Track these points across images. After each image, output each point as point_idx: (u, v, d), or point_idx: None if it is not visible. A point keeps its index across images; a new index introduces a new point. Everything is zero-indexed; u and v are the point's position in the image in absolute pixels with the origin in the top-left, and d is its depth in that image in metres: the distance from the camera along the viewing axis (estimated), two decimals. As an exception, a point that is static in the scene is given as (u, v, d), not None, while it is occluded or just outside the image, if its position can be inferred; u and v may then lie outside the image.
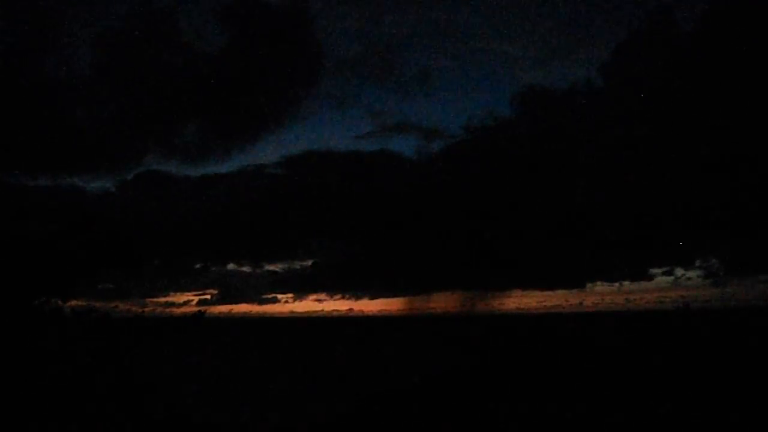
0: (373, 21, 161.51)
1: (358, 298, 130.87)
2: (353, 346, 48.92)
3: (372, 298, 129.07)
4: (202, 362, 33.09)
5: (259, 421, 16.41)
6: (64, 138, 69.59)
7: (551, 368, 26.71)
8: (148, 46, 76.16)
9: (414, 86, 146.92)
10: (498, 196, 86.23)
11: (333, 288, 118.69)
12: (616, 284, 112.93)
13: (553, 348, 39.68)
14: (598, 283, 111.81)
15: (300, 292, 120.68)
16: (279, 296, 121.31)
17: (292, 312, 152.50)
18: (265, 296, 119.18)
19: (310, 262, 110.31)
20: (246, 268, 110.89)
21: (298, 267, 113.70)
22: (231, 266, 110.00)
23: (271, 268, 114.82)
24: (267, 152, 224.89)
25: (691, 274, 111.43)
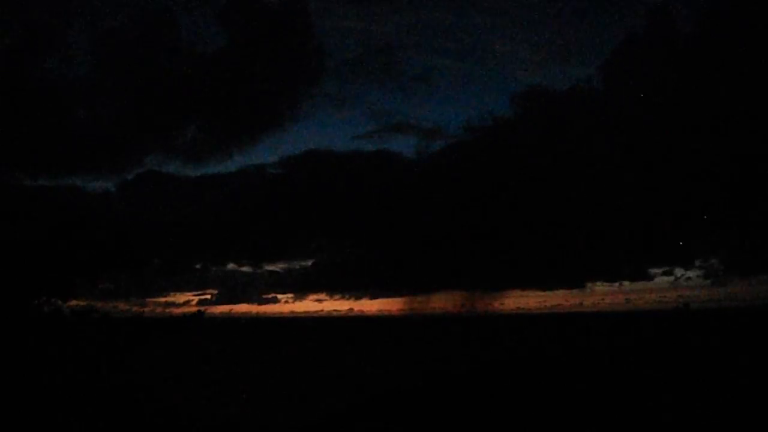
0: (373, 21, 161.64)
1: (358, 298, 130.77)
2: (353, 346, 48.93)
3: (372, 298, 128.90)
4: (202, 362, 33.11)
5: (259, 420, 16.42)
6: (65, 138, 69.62)
7: (551, 368, 26.72)
8: (149, 46, 76.12)
9: (414, 86, 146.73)
10: (498, 196, 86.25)
11: (333, 288, 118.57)
12: (616, 284, 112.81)
13: (552, 348, 39.69)
14: (598, 283, 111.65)
15: (300, 292, 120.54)
16: (279, 296, 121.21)
17: (292, 312, 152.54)
18: (265, 296, 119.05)
19: (310, 262, 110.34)
20: (246, 268, 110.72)
21: (298, 267, 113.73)
22: (231, 266, 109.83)
23: (271, 268, 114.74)
24: (267, 152, 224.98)
25: (691, 274, 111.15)
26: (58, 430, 14.63)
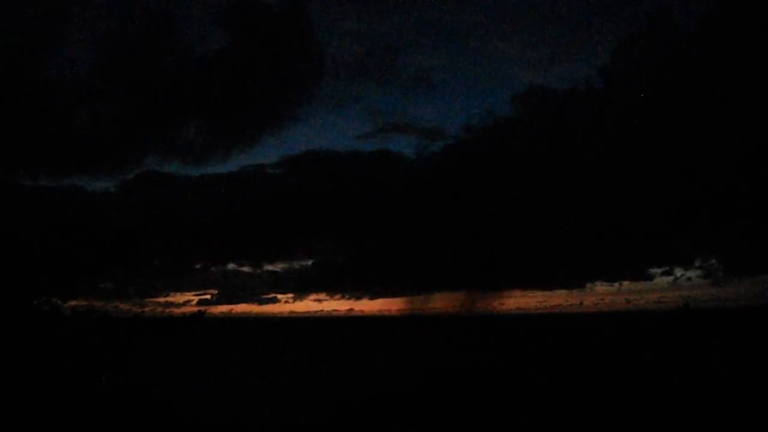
0: (373, 22, 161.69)
1: (358, 298, 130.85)
2: (353, 346, 48.93)
3: (372, 298, 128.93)
4: (202, 362, 33.11)
5: (259, 421, 16.42)
6: (65, 138, 69.71)
7: (551, 368, 26.73)
8: (149, 47, 76.25)
9: (414, 86, 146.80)
10: (498, 196, 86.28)
11: (333, 288, 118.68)
12: (616, 284, 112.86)
13: (553, 348, 39.69)
14: (598, 283, 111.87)
15: (300, 292, 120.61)
16: (279, 296, 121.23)
17: (292, 312, 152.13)
18: (265, 296, 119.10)
19: (310, 262, 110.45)
20: (246, 268, 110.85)
21: (298, 267, 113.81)
22: (231, 266, 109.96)
23: (271, 268, 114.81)
24: (267, 152, 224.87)
25: (690, 274, 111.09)
26: (58, 430, 14.64)
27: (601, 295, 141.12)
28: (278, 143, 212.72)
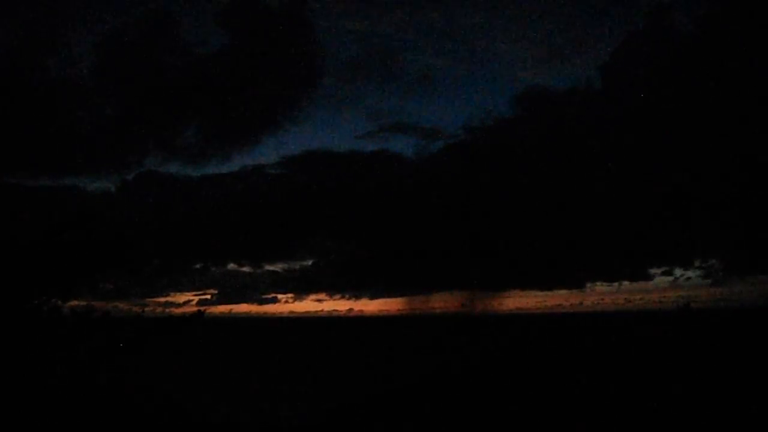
0: (373, 22, 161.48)
1: (358, 298, 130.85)
2: (353, 346, 48.94)
3: (372, 298, 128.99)
4: (202, 362, 33.12)
5: (258, 420, 16.43)
6: (65, 139, 69.74)
7: (551, 368, 26.72)
8: (149, 47, 76.28)
9: (414, 86, 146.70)
10: (498, 196, 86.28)
11: (333, 288, 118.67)
12: (616, 284, 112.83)
13: (552, 348, 39.69)
14: (598, 283, 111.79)
15: (300, 292, 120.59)
16: (279, 296, 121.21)
17: (292, 312, 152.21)
18: (265, 296, 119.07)
19: (310, 262, 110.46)
20: (246, 268, 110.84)
21: (298, 267, 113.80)
22: (231, 266, 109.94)
23: (271, 268, 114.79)
24: (267, 152, 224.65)
25: (690, 274, 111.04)
26: (58, 430, 14.64)
27: (601, 295, 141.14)
28: (278, 143, 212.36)
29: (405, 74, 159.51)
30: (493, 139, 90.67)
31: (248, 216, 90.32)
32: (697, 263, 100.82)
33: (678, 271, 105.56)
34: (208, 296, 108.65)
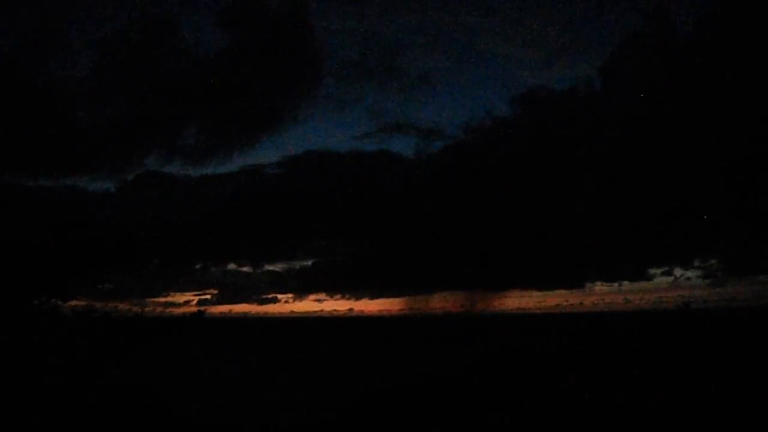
0: (373, 22, 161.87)
1: (358, 298, 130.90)
2: (353, 346, 48.92)
3: (372, 298, 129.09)
4: (202, 362, 33.10)
5: (259, 421, 16.43)
6: (66, 139, 69.74)
7: (551, 368, 26.72)
8: (150, 48, 76.36)
9: (414, 86, 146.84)
10: (498, 196, 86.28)
11: (333, 288, 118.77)
12: (616, 284, 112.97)
13: (552, 348, 39.71)
14: (598, 283, 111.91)
15: (300, 292, 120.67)
16: (279, 296, 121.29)
17: (292, 312, 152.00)
18: (265, 296, 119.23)
19: (310, 262, 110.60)
20: (246, 268, 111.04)
21: (298, 267, 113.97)
22: (231, 266, 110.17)
23: (271, 268, 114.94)
24: (267, 152, 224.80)
25: (690, 274, 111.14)
26: (58, 430, 14.65)
27: (600, 295, 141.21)
28: (278, 143, 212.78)
29: (405, 74, 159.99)
30: (493, 140, 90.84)
31: (248, 216, 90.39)
32: (697, 263, 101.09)
33: (678, 271, 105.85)
34: (208, 296, 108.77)
